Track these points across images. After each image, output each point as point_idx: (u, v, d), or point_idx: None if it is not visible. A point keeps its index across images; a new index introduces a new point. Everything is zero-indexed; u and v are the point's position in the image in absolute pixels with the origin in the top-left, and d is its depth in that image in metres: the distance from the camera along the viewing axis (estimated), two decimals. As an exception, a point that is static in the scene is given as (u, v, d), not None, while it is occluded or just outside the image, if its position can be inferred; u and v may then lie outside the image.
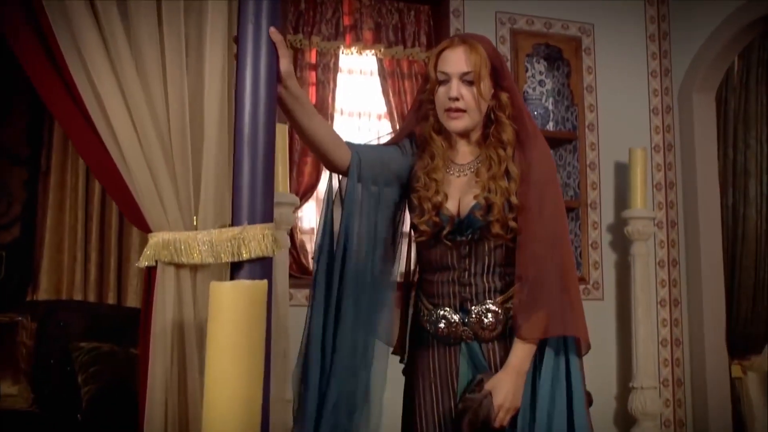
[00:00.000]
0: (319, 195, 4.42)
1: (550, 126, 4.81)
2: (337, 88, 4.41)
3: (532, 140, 2.12)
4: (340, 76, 4.44)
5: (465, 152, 2.18)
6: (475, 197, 2.06)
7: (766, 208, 4.82)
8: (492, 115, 2.12)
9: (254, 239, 1.63)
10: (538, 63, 4.85)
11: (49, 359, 3.59)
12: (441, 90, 2.10)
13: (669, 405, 4.68)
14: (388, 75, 4.50)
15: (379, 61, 4.49)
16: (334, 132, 2.11)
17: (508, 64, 4.61)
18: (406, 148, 2.22)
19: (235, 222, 1.66)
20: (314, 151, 2.08)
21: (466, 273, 2.10)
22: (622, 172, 4.66)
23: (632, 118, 4.81)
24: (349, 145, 2.11)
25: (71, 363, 3.48)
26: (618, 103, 4.78)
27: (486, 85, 2.08)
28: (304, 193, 4.31)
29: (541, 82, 4.87)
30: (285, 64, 1.81)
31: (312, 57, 4.41)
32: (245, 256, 1.64)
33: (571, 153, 4.72)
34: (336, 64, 4.42)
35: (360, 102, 4.55)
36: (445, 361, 2.13)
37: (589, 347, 2.14)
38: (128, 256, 4.11)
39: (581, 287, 4.58)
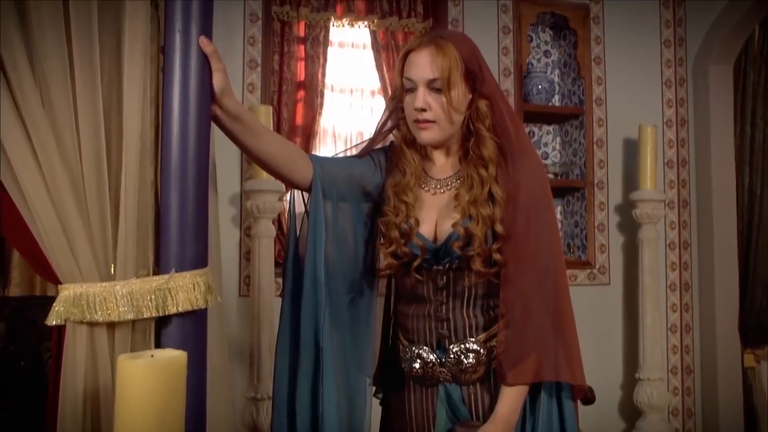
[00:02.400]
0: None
1: (556, 100, 4.54)
2: (327, 63, 4.14)
3: (520, 155, 1.83)
4: (330, 50, 4.17)
5: (443, 165, 1.92)
6: (453, 225, 1.80)
7: (785, 190, 4.53)
8: (471, 126, 1.86)
9: (183, 289, 1.40)
10: (543, 33, 4.57)
11: (19, 361, 3.40)
12: (408, 99, 1.84)
13: (677, 393, 4.50)
14: (382, 48, 4.23)
15: (373, 34, 4.21)
16: (289, 147, 1.86)
17: (510, 35, 4.32)
18: (379, 162, 1.97)
19: (161, 269, 1.43)
20: (268, 171, 1.84)
21: (444, 307, 1.85)
22: (632, 150, 4.39)
23: (643, 92, 4.53)
24: (312, 159, 1.87)
25: (43, 365, 3.29)
26: (628, 75, 4.50)
27: (459, 92, 1.81)
28: (293, 176, 4.07)
29: (546, 53, 4.59)
30: (219, 79, 1.56)
31: (300, 30, 4.14)
32: (172, 309, 1.41)
33: (578, 129, 4.47)
34: (326, 37, 4.15)
35: (352, 77, 4.29)
36: (422, 405, 1.90)
37: (584, 392, 1.89)
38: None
39: (586, 272, 4.38)
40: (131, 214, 1.43)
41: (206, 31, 1.49)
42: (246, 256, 3.85)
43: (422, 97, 1.79)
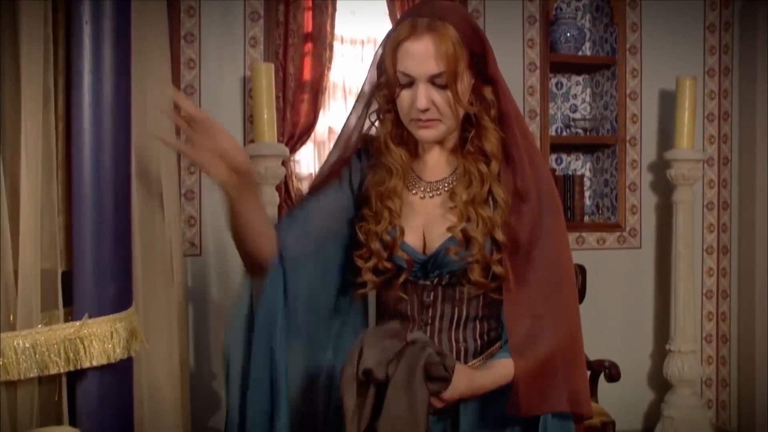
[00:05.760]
0: (316, 136, 3.94)
1: (586, 48, 4.20)
2: (336, 13, 3.85)
3: (524, 151, 1.56)
4: (339, -2, 3.87)
5: (438, 164, 1.64)
6: (450, 229, 1.54)
7: (837, 148, 4.15)
8: (473, 116, 1.58)
9: (98, 338, 1.18)
10: (573, -27, 4.20)
11: None
12: (404, 95, 1.53)
13: (711, 362, 4.25)
14: (396, -6, 3.90)
15: (386, -22, 3.89)
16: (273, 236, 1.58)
17: (538, -24, 3.96)
18: (358, 169, 1.68)
19: (75, 314, 1.22)
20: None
21: (429, 328, 1.59)
22: (669, 103, 4.04)
23: (683, 39, 4.16)
24: (280, 241, 1.57)
25: None
26: (666, 20, 4.13)
27: (464, 83, 1.52)
28: (300, 136, 3.84)
29: (576, -4, 4.23)
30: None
31: (306, -23, 3.83)
32: (86, 363, 1.20)
33: (609, 80, 4.13)
34: (335, -17, 3.84)
35: (363, 27, 4.01)
36: None
37: (590, 418, 1.65)
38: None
39: (615, 234, 4.12)
40: (33, 250, 1.20)
41: (122, 22, 1.23)
42: (250, 223, 3.64)
43: (424, 95, 1.49)
